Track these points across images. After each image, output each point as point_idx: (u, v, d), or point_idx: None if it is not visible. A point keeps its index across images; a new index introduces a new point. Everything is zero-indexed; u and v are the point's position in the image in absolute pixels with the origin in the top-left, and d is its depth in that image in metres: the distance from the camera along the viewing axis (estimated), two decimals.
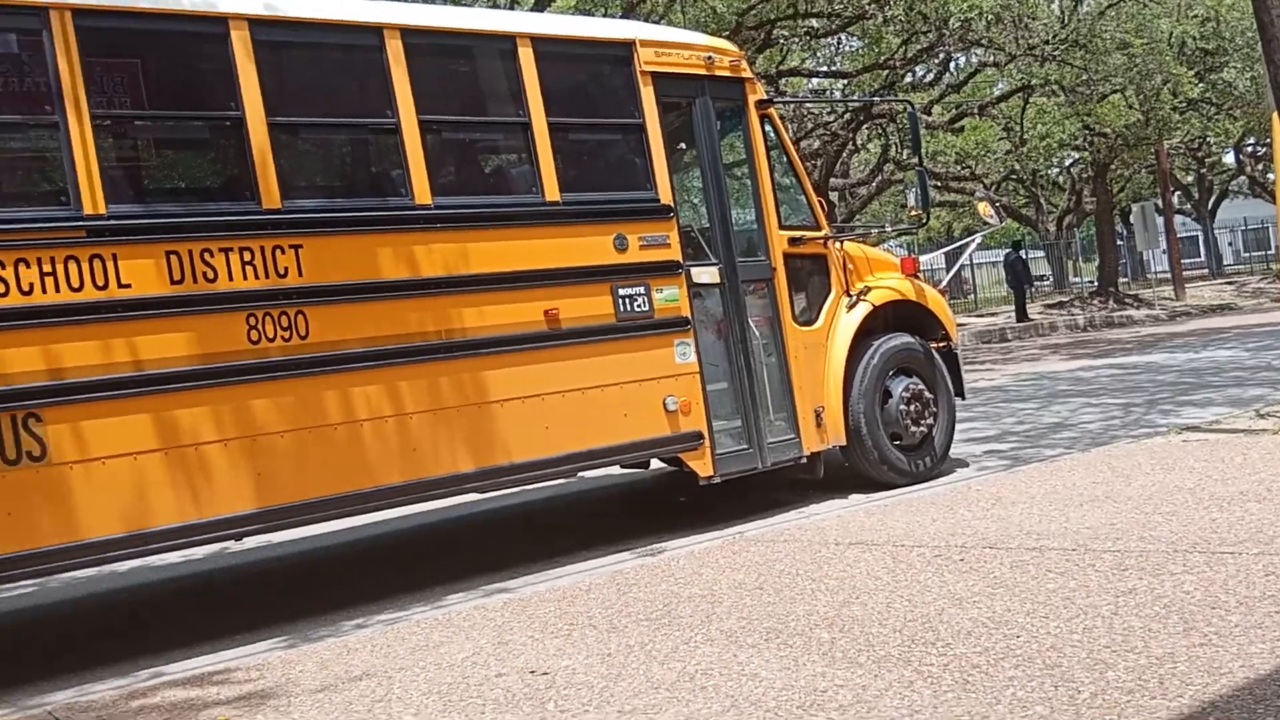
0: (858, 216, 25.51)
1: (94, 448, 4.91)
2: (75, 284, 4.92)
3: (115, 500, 4.95)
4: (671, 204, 6.69)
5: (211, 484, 5.17)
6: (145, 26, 5.39)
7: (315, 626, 5.50)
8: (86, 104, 5.02)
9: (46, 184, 5.31)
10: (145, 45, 5.50)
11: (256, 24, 5.52)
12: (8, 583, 5.22)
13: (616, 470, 8.31)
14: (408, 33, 5.93)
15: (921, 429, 7.55)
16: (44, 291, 4.84)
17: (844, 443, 7.30)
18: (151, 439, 5.05)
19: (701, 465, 6.66)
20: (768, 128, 7.37)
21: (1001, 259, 41.20)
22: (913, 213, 8.52)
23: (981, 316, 28.15)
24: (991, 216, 10.12)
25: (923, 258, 9.30)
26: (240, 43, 5.43)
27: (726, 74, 7.15)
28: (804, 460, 7.10)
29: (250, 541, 7.23)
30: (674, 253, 6.67)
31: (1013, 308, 28.48)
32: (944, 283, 10.97)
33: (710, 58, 7.07)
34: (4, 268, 4.77)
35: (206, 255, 5.24)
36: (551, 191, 6.26)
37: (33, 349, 4.82)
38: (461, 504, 8.07)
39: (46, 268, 4.86)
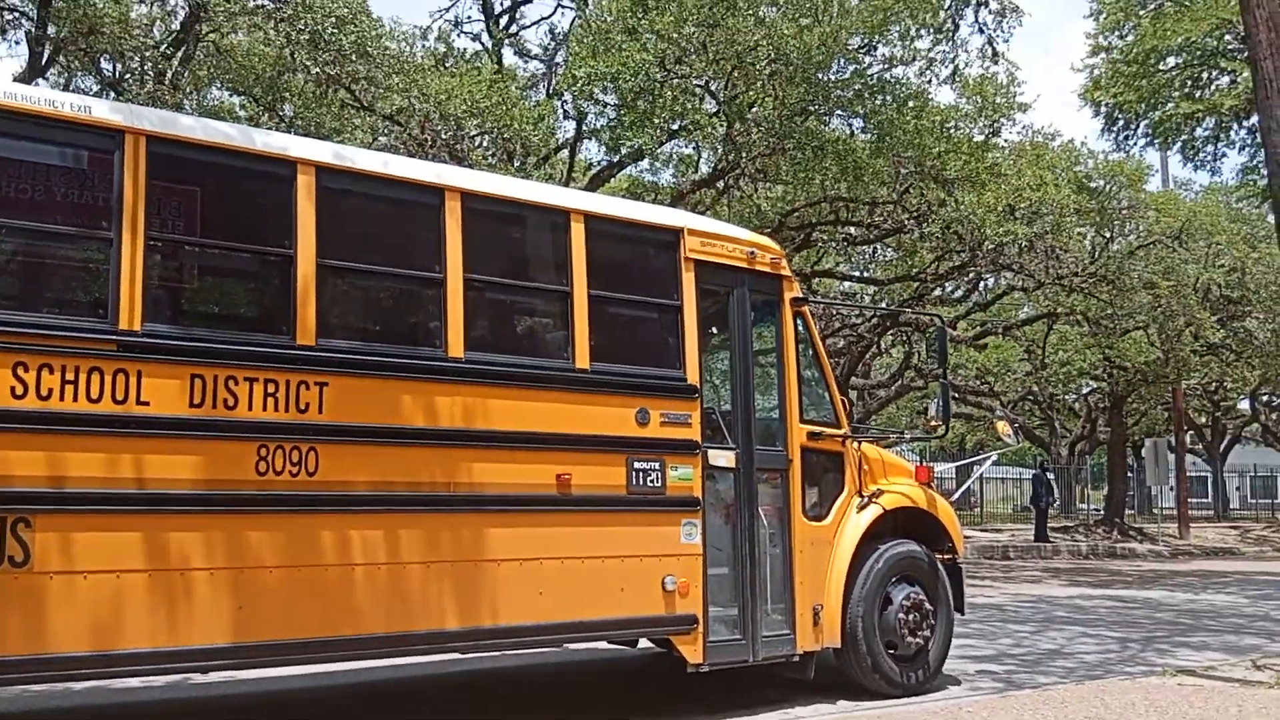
0: (874, 417, 25.68)
1: (79, 561, 4.87)
2: (94, 395, 4.98)
3: (89, 617, 4.88)
4: (697, 385, 6.80)
5: (190, 612, 5.10)
6: (215, 160, 5.61)
7: None
8: (143, 225, 5.19)
9: (85, 294, 5.40)
10: (211, 176, 5.68)
11: (323, 171, 5.76)
12: None
13: (603, 644, 8.19)
14: (467, 196, 6.17)
15: (918, 640, 7.47)
16: (60, 399, 4.90)
17: (838, 645, 7.21)
18: (138, 559, 5.01)
19: (692, 651, 6.57)
20: (799, 324, 7.54)
21: (1012, 476, 41.28)
22: (932, 423, 8.64)
23: (986, 531, 27.91)
24: (1009, 436, 10.24)
25: (937, 467, 9.34)
26: (305, 186, 5.66)
27: (766, 270, 7.36)
28: (796, 658, 7.01)
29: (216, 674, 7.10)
30: (694, 433, 6.75)
31: (1018, 526, 28.30)
32: (954, 495, 11.00)
33: (752, 253, 7.29)
34: (26, 370, 4.84)
35: (230, 382, 5.31)
36: (582, 359, 6.39)
37: (36, 454, 4.83)
38: (439, 659, 7.92)
39: (69, 375, 4.93)
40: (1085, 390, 34.42)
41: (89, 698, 7.13)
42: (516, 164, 15.33)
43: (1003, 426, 10.64)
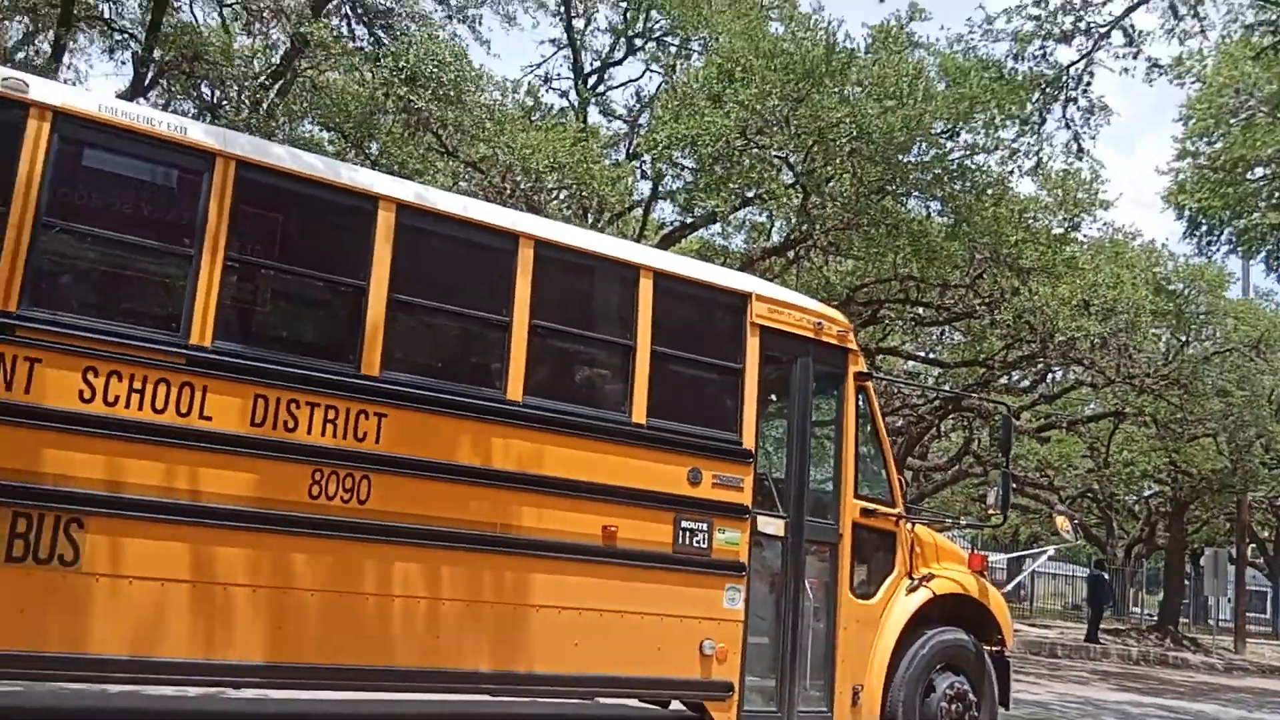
0: (927, 500, 25.32)
1: (125, 565, 4.94)
2: (159, 406, 5.08)
3: (130, 622, 4.94)
4: (752, 450, 6.76)
5: (229, 627, 5.15)
6: (300, 189, 5.76)
7: None
8: (224, 246, 5.32)
9: (161, 308, 5.52)
10: (295, 204, 5.84)
11: (404, 209, 5.87)
12: (3, 679, 5.12)
13: (633, 701, 8.07)
14: (541, 244, 6.25)
15: None
16: (126, 406, 5.00)
17: None
18: (184, 569, 5.07)
19: (725, 719, 6.46)
20: (861, 398, 7.47)
21: (1064, 573, 40.39)
22: (990, 511, 8.49)
23: (1035, 626, 27.29)
24: (1068, 532, 10.05)
25: (989, 557, 9.16)
26: (384, 221, 5.76)
27: (832, 341, 7.32)
28: None
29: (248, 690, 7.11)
30: (745, 497, 6.69)
31: (1067, 624, 27.60)
32: (1007, 587, 10.78)
33: (819, 324, 7.27)
34: (96, 375, 4.95)
35: (293, 406, 5.39)
36: (639, 414, 6.39)
37: (97, 457, 4.93)
38: (469, 700, 7.83)
39: (136, 384, 5.03)
40: (1147, 493, 33.67)
41: (123, 701, 7.17)
42: (591, 219, 15.48)
43: (1062, 522, 10.43)
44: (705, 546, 6.51)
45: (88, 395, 4.93)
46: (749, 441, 6.76)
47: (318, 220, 6.01)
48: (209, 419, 5.19)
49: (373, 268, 5.69)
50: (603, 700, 7.85)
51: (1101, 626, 25.96)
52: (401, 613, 5.57)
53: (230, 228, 5.37)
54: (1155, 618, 30.73)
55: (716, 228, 19.99)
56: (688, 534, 6.47)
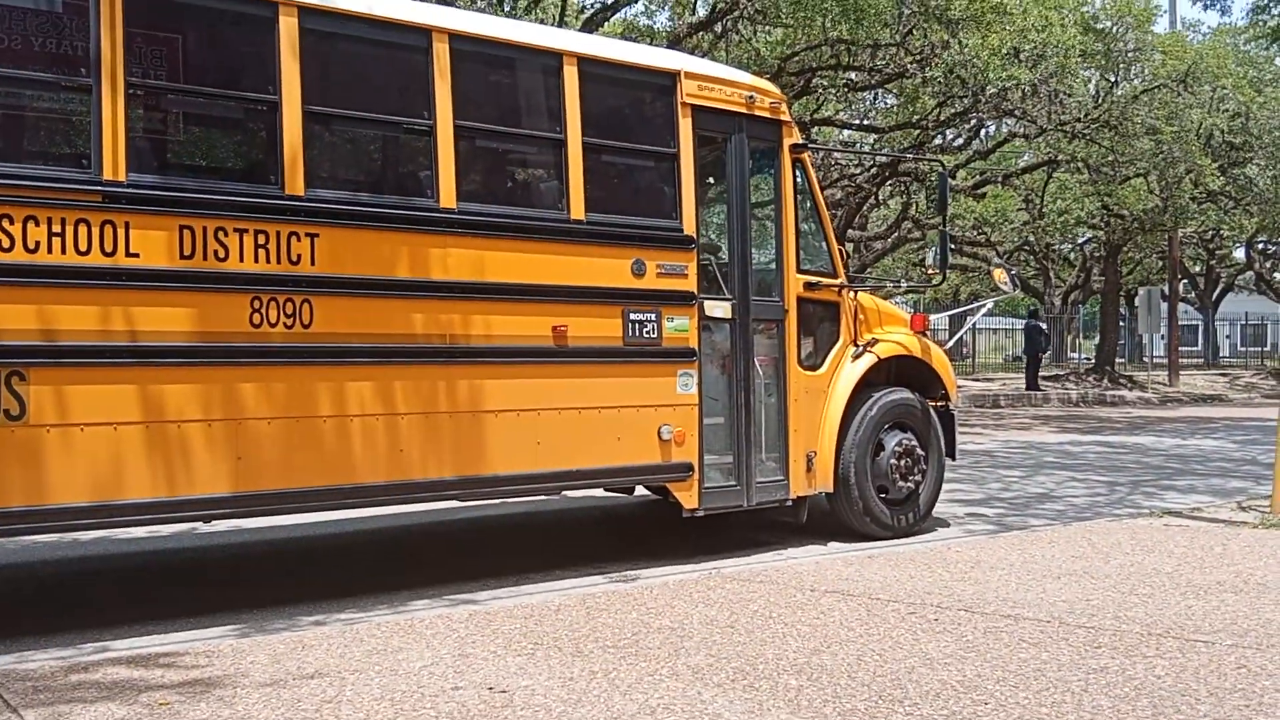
0: (870, 269, 25.63)
1: (75, 413, 4.89)
2: (83, 248, 4.92)
3: (88, 469, 4.92)
4: (693, 236, 6.74)
5: (189, 463, 5.15)
6: (193, 2, 5.46)
7: (272, 618, 5.46)
8: (123, 72, 5.05)
9: (69, 146, 5.29)
10: (191, 21, 5.53)
11: (306, 12, 5.57)
12: None
13: (599, 492, 8.34)
14: (456, 38, 5.99)
15: (909, 485, 7.60)
16: (49, 251, 4.84)
17: (830, 490, 7.34)
18: (135, 411, 5.03)
19: (688, 497, 6.69)
20: (798, 172, 7.43)
21: (1004, 327, 41.54)
22: (930, 271, 8.61)
23: (978, 380, 28.23)
24: (1006, 284, 10.25)
25: (931, 317, 9.34)
26: (287, 29, 5.48)
27: (765, 115, 7.21)
28: (789, 503, 7.15)
29: (220, 524, 7.21)
30: (690, 284, 6.72)
31: (1009, 375, 28.55)
32: (949, 344, 11.03)
33: (751, 97, 7.14)
34: (12, 222, 4.76)
35: (220, 234, 5.25)
36: (577, 210, 6.31)
37: (28, 307, 4.81)
38: (440, 509, 8.09)
39: (55, 228, 4.86)
40: (1081, 240, 34.32)
41: (95, 548, 7.28)
42: (506, 8, 14.89)
43: (999, 274, 10.62)
44: (655, 336, 6.58)
45: (6, 244, 4.76)
46: (690, 227, 6.74)
47: (217, 34, 5.69)
48: (136, 255, 5.05)
49: (282, 80, 5.44)
50: (569, 494, 8.11)
51: (1041, 373, 26.91)
52: (360, 431, 5.61)
53: (127, 53, 5.08)
54: (1093, 360, 31.83)
55: (639, 6, 19.41)
56: (637, 325, 6.52)
